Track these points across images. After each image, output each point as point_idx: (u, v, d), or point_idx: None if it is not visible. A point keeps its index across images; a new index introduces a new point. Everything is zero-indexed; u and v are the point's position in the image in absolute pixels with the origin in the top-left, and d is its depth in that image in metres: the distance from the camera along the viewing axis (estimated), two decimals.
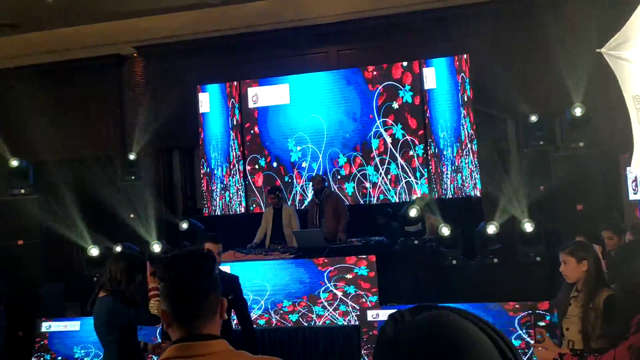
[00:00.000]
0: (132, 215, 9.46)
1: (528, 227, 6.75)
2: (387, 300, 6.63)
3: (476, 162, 8.96)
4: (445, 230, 6.94)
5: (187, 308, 1.78)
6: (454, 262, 6.99)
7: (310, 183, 8.36)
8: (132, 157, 9.67)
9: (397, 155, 9.27)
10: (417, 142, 9.22)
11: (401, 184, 9.19)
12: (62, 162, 10.50)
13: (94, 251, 7.94)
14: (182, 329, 1.78)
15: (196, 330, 1.77)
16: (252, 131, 9.95)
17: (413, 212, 7.20)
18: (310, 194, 9.22)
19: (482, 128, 9.23)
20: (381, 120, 9.39)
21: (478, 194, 8.87)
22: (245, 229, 9.40)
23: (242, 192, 9.89)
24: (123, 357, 4.05)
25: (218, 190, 10.02)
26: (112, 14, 10.42)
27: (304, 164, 9.65)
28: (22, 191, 7.77)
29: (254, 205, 9.84)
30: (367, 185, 9.32)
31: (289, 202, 9.38)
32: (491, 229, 6.94)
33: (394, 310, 1.08)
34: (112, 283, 4.10)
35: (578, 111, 6.82)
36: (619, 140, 7.96)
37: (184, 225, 8.68)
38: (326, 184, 8.55)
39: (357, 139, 9.48)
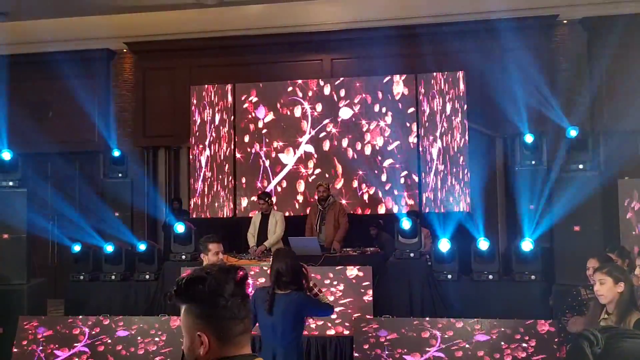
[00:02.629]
0: (117, 213, 9.31)
1: (526, 245, 6.81)
2: (381, 311, 6.62)
3: (468, 178, 9.04)
4: (445, 245, 6.98)
5: (240, 324, 1.70)
6: (450, 276, 7.03)
7: (316, 189, 8.28)
8: (116, 153, 9.47)
9: (391, 166, 9.32)
10: (410, 156, 9.28)
11: (394, 195, 9.24)
12: (47, 155, 10.29)
13: (76, 248, 7.76)
14: (230, 349, 1.68)
15: (243, 348, 1.70)
16: (244, 134, 9.86)
17: (407, 225, 7.23)
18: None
19: (474, 144, 9.33)
20: (377, 129, 9.42)
21: (468, 210, 8.96)
22: (233, 232, 9.34)
23: (231, 195, 9.80)
24: (300, 351, 4.42)
25: (207, 192, 9.90)
26: (105, 8, 10.26)
27: (298, 170, 9.63)
28: (10, 183, 7.53)
29: (244, 208, 9.75)
30: (362, 194, 9.35)
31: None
32: (485, 245, 6.99)
33: (583, 330, 1.07)
34: (282, 279, 4.29)
35: (574, 133, 6.94)
36: (617, 164, 8.17)
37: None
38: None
39: (352, 148, 9.49)
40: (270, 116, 9.80)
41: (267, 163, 9.76)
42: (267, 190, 9.39)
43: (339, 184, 9.43)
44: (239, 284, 1.71)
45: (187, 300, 1.70)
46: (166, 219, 10.00)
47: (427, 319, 6.26)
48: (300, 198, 9.60)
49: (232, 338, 1.68)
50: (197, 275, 1.71)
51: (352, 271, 6.65)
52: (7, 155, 7.45)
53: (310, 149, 9.62)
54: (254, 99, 9.88)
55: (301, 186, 9.63)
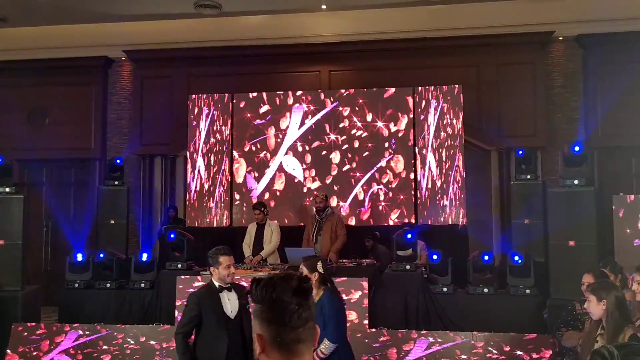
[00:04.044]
0: (112, 221, 9.31)
1: (517, 259, 6.87)
2: (376, 323, 6.65)
3: (463, 192, 9.09)
4: (435, 257, 7.03)
5: (291, 332, 1.69)
6: (445, 289, 7.06)
7: (313, 200, 8.31)
8: (118, 161, 9.48)
9: (387, 179, 9.36)
10: (406, 168, 9.33)
11: (389, 207, 9.29)
12: (44, 161, 10.29)
13: (79, 256, 7.73)
14: (282, 355, 1.69)
15: (297, 356, 1.69)
16: (241, 142, 9.88)
17: (408, 237, 7.27)
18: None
19: (470, 158, 9.39)
20: (373, 141, 9.47)
21: (464, 223, 9.00)
22: (229, 242, 9.30)
23: (227, 204, 9.81)
24: None
25: (203, 201, 9.90)
26: (104, 16, 10.29)
27: (293, 179, 9.66)
28: (7, 189, 7.52)
29: (240, 218, 9.75)
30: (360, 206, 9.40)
31: None
32: (482, 258, 7.03)
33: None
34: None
35: (577, 149, 7.00)
36: (611, 180, 8.27)
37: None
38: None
39: (349, 159, 9.52)
40: (267, 126, 9.82)
41: (265, 172, 9.77)
42: (257, 196, 9.42)
43: (334, 195, 9.44)
44: (297, 293, 1.71)
45: (252, 299, 1.74)
46: (162, 227, 10.01)
47: (423, 331, 6.30)
48: (295, 208, 9.63)
49: (285, 345, 1.68)
50: (261, 278, 1.76)
51: (348, 283, 6.68)
52: None
53: (307, 159, 9.64)
54: (251, 109, 9.90)
55: (293, 194, 9.66)
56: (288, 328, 1.68)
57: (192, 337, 4.44)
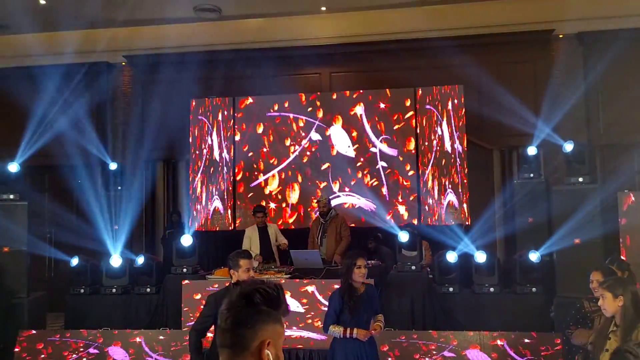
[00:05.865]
0: (116, 227, 9.29)
1: (532, 257, 6.87)
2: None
3: (466, 191, 9.10)
4: (451, 257, 7.03)
5: (219, 336, 1.76)
6: (451, 289, 7.06)
7: (317, 204, 8.33)
8: (113, 166, 9.44)
9: (390, 179, 9.38)
10: (409, 169, 9.34)
11: (393, 208, 9.30)
12: (46, 167, 10.27)
13: (74, 261, 7.74)
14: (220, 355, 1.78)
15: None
16: (242, 146, 9.89)
17: (405, 237, 7.27)
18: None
19: (472, 157, 9.39)
20: (376, 143, 9.47)
21: (467, 223, 9.01)
22: (232, 246, 9.32)
23: (230, 208, 9.82)
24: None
25: (206, 205, 9.90)
26: (104, 21, 10.30)
27: (294, 184, 9.67)
28: (12, 197, 7.53)
29: (242, 221, 9.76)
30: (361, 208, 9.40)
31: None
32: (483, 258, 7.04)
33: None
34: None
35: (569, 147, 7.02)
36: (615, 177, 8.26)
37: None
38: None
39: (350, 161, 9.53)
40: (268, 129, 9.84)
41: (266, 176, 9.78)
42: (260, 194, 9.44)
43: (335, 197, 9.44)
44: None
45: None
46: (165, 232, 10.01)
47: (429, 331, 6.30)
48: (293, 211, 9.64)
49: None
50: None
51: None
52: (13, 168, 7.47)
53: (308, 160, 9.65)
54: (252, 112, 9.92)
55: (295, 198, 9.68)
56: (219, 331, 1.77)
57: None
